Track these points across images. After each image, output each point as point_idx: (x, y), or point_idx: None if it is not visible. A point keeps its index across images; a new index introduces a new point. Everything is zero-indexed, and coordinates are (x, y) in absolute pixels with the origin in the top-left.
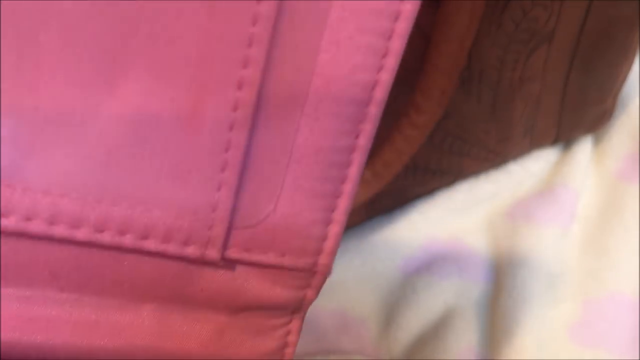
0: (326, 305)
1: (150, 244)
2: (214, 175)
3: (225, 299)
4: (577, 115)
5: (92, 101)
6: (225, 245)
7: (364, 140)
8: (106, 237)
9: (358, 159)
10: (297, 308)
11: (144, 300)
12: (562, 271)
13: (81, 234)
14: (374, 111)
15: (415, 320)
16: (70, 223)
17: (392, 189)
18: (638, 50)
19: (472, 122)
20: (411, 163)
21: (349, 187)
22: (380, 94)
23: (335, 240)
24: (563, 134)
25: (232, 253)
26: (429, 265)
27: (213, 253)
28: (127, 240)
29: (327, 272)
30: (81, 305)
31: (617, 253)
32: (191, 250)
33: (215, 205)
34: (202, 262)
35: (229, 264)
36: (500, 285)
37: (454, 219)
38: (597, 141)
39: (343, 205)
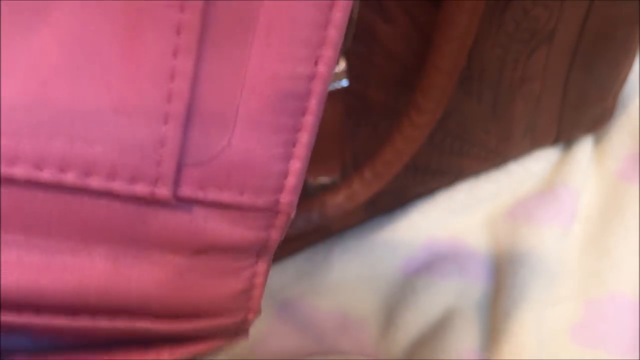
0: (326, 305)
1: (94, 182)
2: (159, 106)
3: (184, 241)
4: (577, 114)
5: (22, 27)
6: (177, 183)
7: (324, 67)
8: (46, 175)
9: (319, 88)
10: (262, 250)
11: (96, 243)
12: (563, 271)
13: (19, 171)
14: (334, 34)
15: (415, 320)
16: (7, 160)
17: (392, 189)
18: (638, 50)
19: (473, 122)
20: (411, 163)
21: (310, 120)
22: (339, 14)
23: (297, 177)
24: (563, 134)
25: (186, 192)
26: (429, 265)
27: (164, 191)
28: (69, 177)
29: (290, 211)
30: (29, 247)
31: (617, 253)
32: (140, 188)
33: (162, 139)
34: (154, 202)
35: (184, 204)
36: (500, 285)
37: (454, 218)
38: (598, 141)
39: (304, 140)
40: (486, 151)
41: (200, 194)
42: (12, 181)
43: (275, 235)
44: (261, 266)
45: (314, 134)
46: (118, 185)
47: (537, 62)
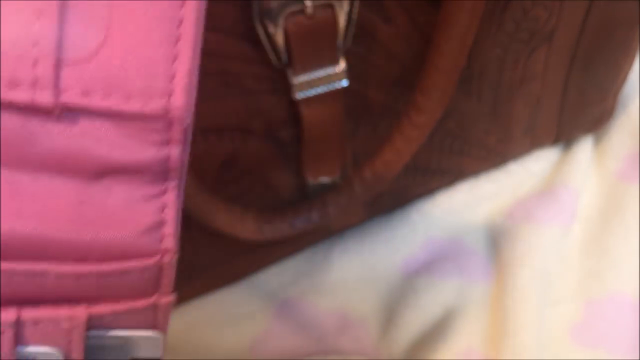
0: (326, 305)
1: None
2: (29, 2)
3: (78, 162)
4: (577, 115)
5: None
6: (57, 88)
7: None
8: None
9: None
10: (165, 173)
11: None
12: (563, 271)
13: None
14: None
15: (415, 320)
16: None
17: (392, 189)
18: (638, 50)
19: (472, 122)
20: (411, 163)
21: (190, 13)
22: None
23: (185, 78)
24: (563, 134)
25: (69, 97)
26: (429, 265)
27: (45, 96)
28: None
29: (183, 120)
30: None
31: (617, 253)
32: (19, 94)
33: (36, 38)
34: (39, 112)
35: (71, 114)
36: (500, 285)
37: (454, 219)
38: (598, 141)
39: (188, 37)
40: (486, 151)
41: (84, 101)
42: None
43: (176, 153)
44: (170, 196)
45: (199, 28)
46: None
47: (536, 62)
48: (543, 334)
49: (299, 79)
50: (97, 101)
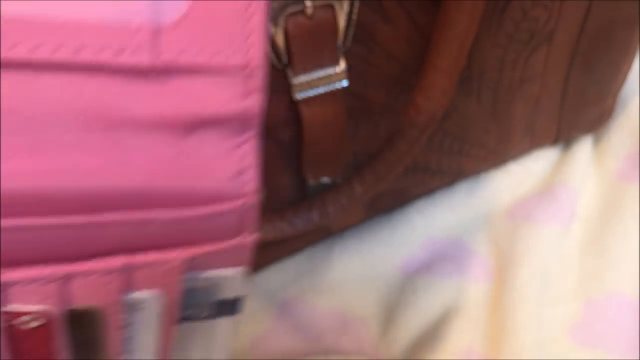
0: (326, 305)
1: (84, 55)
2: None
3: (173, 117)
4: (577, 115)
5: None
6: (155, 50)
7: None
8: (40, 54)
9: None
10: (246, 123)
11: (91, 130)
12: (562, 271)
13: (16, 54)
14: None
15: (415, 320)
16: (6, 46)
17: (392, 189)
18: (638, 50)
19: (472, 122)
20: (411, 163)
21: None
22: None
23: (259, 36)
24: (563, 134)
25: (166, 58)
26: (429, 265)
27: (145, 58)
28: (61, 54)
29: (260, 72)
30: (30, 148)
31: (617, 253)
32: (125, 59)
33: (137, 10)
34: (140, 72)
35: (167, 75)
36: (500, 285)
37: (454, 218)
38: (597, 141)
39: (259, 1)
40: (486, 151)
41: (178, 59)
42: (9, 65)
43: (255, 104)
44: (251, 144)
45: None
46: (106, 57)
47: (536, 62)
48: (542, 333)
49: (299, 79)
50: (188, 59)
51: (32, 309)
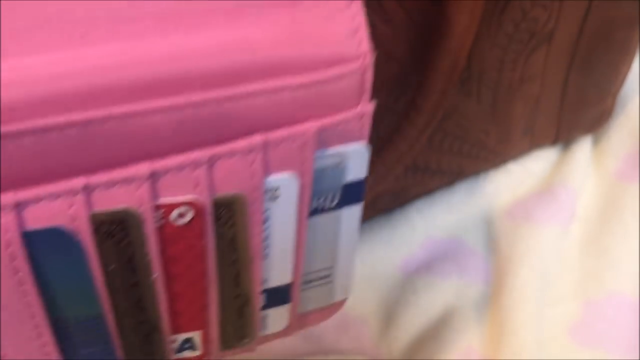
0: None
1: None
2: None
3: None
4: (576, 115)
5: None
6: None
7: None
8: None
9: None
10: None
11: (214, 11)
12: (562, 271)
13: None
14: None
15: (415, 320)
16: None
17: (391, 189)
18: (638, 50)
19: (472, 122)
20: (411, 163)
21: None
22: None
23: None
24: (563, 134)
25: None
26: (428, 265)
27: None
28: None
29: None
30: (162, 29)
31: (616, 253)
32: None
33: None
34: None
35: None
36: (500, 285)
37: (454, 218)
38: (597, 141)
39: None
40: (485, 151)
41: None
42: None
43: None
44: (357, 4)
45: None
46: None
47: (536, 62)
48: (542, 333)
49: None
50: None
51: (183, 200)
